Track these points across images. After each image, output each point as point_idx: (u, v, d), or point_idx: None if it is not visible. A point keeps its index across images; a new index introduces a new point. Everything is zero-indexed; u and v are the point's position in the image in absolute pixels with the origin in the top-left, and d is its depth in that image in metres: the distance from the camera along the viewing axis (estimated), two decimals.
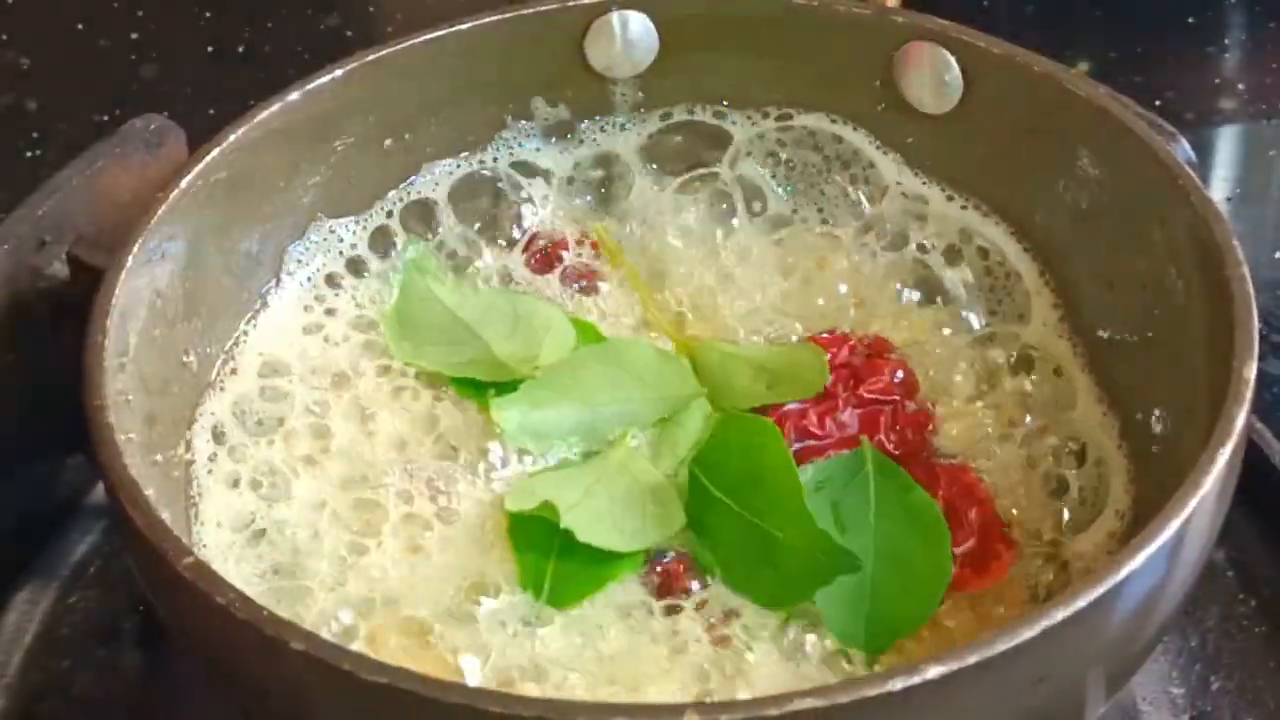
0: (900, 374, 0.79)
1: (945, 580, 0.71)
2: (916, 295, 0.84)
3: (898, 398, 0.78)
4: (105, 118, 1.17)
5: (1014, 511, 0.75)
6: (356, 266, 0.84)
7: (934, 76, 0.83)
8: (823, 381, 0.78)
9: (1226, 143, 1.20)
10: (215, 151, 0.77)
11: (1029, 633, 0.58)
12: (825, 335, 0.81)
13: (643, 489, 0.74)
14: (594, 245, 0.86)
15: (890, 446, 0.77)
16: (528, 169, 0.88)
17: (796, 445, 0.76)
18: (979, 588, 0.72)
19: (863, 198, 0.86)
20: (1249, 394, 0.65)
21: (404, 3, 1.37)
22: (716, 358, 0.80)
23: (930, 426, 0.78)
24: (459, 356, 0.81)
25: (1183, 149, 0.79)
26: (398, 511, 0.75)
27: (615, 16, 0.85)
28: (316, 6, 1.32)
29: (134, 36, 1.29)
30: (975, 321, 0.82)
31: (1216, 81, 1.24)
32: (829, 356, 0.79)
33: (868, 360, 0.80)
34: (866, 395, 0.78)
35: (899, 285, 0.84)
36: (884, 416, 0.78)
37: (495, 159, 0.88)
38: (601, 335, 0.82)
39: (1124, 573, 0.60)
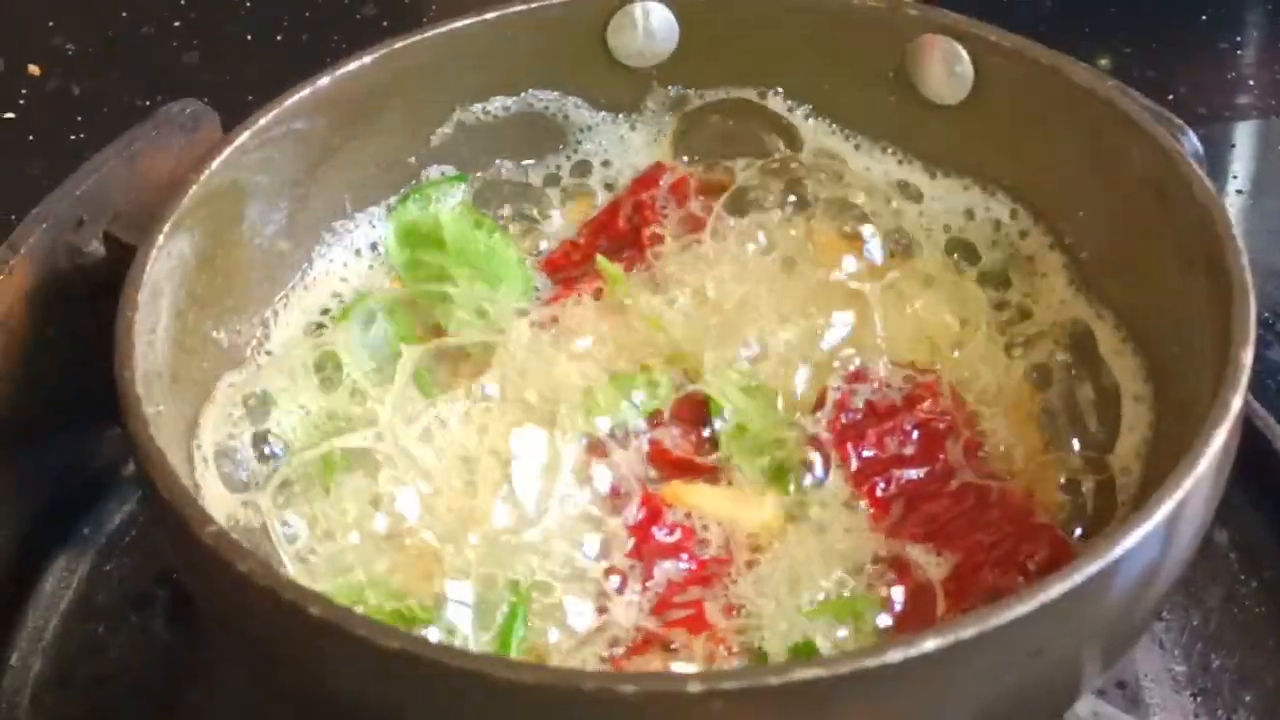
0: (951, 390, 0.81)
1: None
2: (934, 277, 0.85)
3: (951, 415, 0.79)
4: (147, 103, 1.19)
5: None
6: (385, 248, 0.86)
7: (946, 68, 0.84)
8: None
9: (1239, 138, 1.21)
10: (246, 134, 0.78)
11: (1025, 607, 0.59)
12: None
13: None
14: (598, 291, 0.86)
15: (949, 462, 0.78)
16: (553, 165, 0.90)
17: (867, 454, 0.78)
18: None
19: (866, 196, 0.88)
20: (1244, 379, 0.67)
21: None
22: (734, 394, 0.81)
23: (984, 446, 0.79)
24: (426, 278, 0.84)
25: (1190, 141, 0.80)
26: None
27: (638, 7, 0.86)
28: None
29: (176, 24, 1.31)
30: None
31: (1230, 77, 1.25)
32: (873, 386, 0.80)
33: (917, 384, 0.81)
34: (923, 415, 0.79)
35: (913, 275, 0.85)
36: (941, 433, 0.79)
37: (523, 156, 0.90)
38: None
39: (1119, 551, 0.61)
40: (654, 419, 0.79)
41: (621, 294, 0.84)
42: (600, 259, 0.85)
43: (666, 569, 0.74)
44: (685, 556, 0.75)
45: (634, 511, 0.76)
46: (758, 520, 0.76)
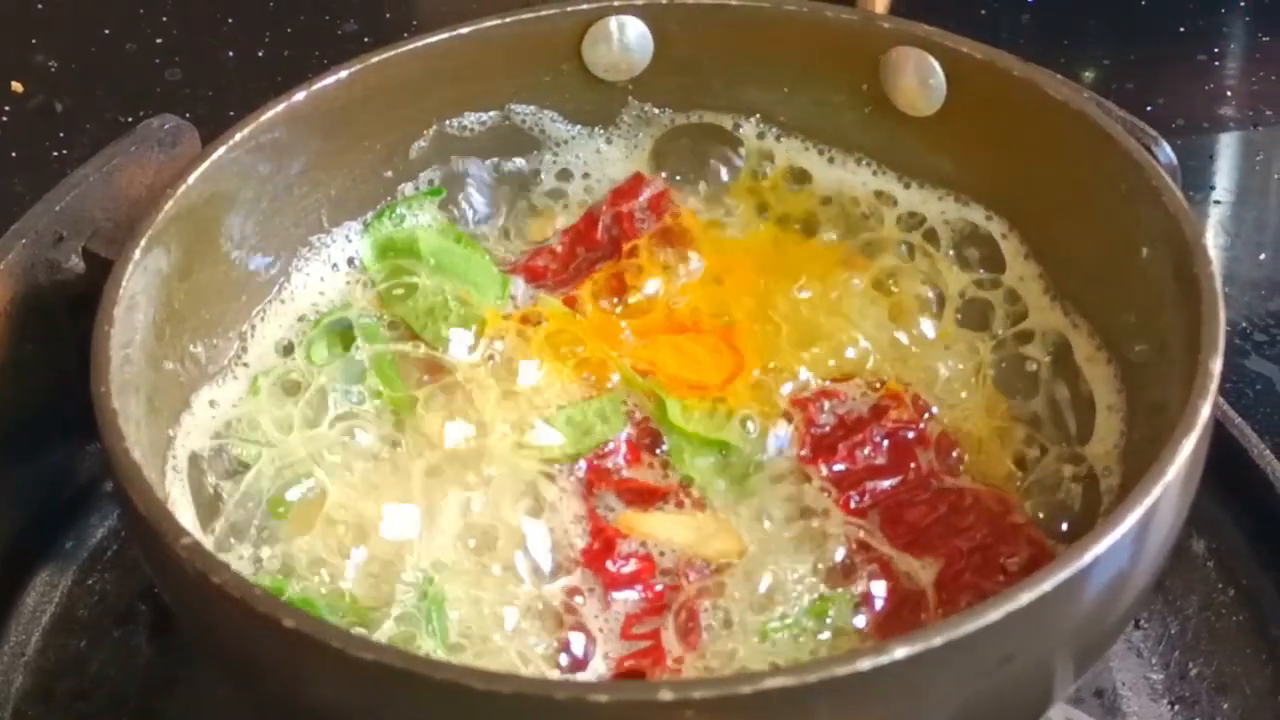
0: (915, 399, 0.81)
1: None
2: (911, 293, 0.85)
3: (921, 425, 0.79)
4: (129, 119, 1.19)
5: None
6: (362, 262, 0.86)
7: (919, 80, 0.84)
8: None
9: (1216, 148, 1.21)
10: (222, 149, 0.78)
11: (994, 615, 0.59)
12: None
13: None
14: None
15: (921, 469, 0.78)
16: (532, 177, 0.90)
17: (839, 468, 0.78)
18: None
19: (852, 208, 0.88)
20: (1213, 387, 0.67)
21: (420, 9, 1.40)
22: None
23: (955, 452, 0.79)
24: (403, 292, 0.84)
25: (1164, 152, 0.80)
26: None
27: (613, 21, 0.86)
28: (334, 13, 1.35)
29: (158, 41, 1.31)
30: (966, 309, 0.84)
31: (1209, 89, 1.25)
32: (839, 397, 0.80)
33: (884, 394, 0.81)
34: (892, 424, 0.79)
35: (891, 290, 0.85)
36: (911, 442, 0.79)
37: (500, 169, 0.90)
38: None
39: (1088, 558, 0.61)
40: (609, 446, 0.80)
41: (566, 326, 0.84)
42: (543, 297, 0.85)
43: (623, 600, 0.74)
44: (640, 587, 0.74)
45: (586, 542, 0.76)
46: (717, 546, 0.76)
